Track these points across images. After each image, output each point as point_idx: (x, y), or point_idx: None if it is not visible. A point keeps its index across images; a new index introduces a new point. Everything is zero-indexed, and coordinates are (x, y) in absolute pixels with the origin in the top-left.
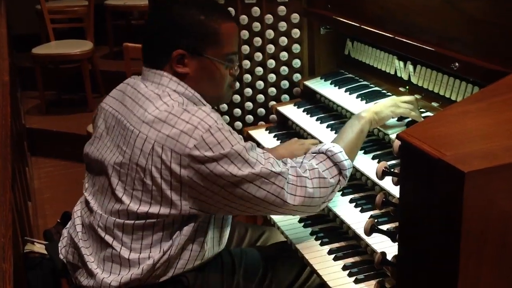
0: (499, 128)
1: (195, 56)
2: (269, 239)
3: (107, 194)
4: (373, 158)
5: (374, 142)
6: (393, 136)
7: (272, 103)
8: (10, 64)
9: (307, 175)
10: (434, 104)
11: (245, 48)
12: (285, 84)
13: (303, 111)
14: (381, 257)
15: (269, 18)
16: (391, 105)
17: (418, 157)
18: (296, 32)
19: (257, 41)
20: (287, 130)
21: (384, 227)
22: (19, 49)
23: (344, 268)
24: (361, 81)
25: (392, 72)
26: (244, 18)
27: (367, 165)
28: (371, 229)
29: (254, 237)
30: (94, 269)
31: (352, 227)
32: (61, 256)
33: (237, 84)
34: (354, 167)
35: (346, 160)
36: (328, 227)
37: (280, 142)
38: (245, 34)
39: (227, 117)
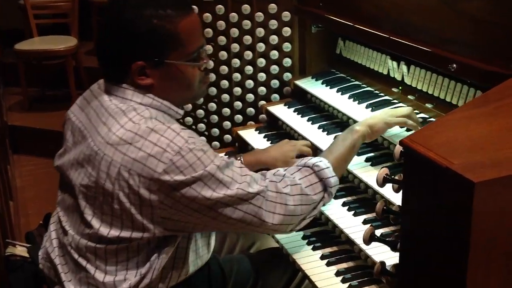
0: (506, 134)
1: (157, 65)
2: (262, 246)
3: (77, 215)
4: (367, 160)
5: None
6: (389, 139)
7: (262, 102)
8: None
9: (288, 191)
10: (428, 105)
11: (235, 47)
12: (275, 83)
13: (294, 111)
14: (381, 267)
15: (259, 16)
16: (387, 117)
17: (423, 164)
18: (287, 31)
19: (247, 39)
20: (277, 131)
21: (379, 231)
22: (2, 44)
23: (338, 274)
24: (353, 81)
25: (385, 72)
26: (234, 16)
27: (361, 167)
28: (370, 238)
29: (246, 244)
30: None
31: (345, 231)
32: (41, 266)
33: (226, 83)
34: (347, 170)
35: (333, 177)
36: (320, 231)
37: (271, 143)
38: (235, 32)
39: (215, 117)
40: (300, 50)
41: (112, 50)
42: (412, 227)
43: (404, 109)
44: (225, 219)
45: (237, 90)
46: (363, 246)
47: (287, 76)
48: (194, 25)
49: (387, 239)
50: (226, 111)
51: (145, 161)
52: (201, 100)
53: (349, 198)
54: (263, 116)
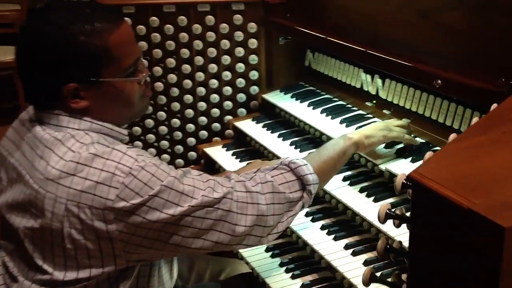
0: None
1: (91, 85)
2: (232, 272)
3: (25, 259)
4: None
5: (361, 173)
6: (382, 167)
7: (228, 117)
8: None
9: (259, 190)
10: (405, 120)
11: (199, 60)
12: (241, 97)
13: (263, 126)
14: None
15: (224, 28)
16: (383, 129)
17: (438, 203)
18: (253, 42)
19: (212, 52)
20: (246, 147)
21: (362, 257)
22: None
23: None
24: (323, 94)
25: (358, 86)
26: (197, 28)
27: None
28: (370, 280)
29: (215, 270)
30: None
31: (326, 257)
32: None
33: (190, 97)
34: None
35: (311, 174)
36: (298, 256)
37: (240, 161)
38: (198, 44)
39: (179, 133)
40: (267, 62)
41: (38, 74)
42: (424, 271)
43: (401, 122)
44: (194, 233)
45: (202, 105)
46: (346, 273)
47: (254, 89)
48: (126, 37)
49: (388, 279)
50: (190, 127)
51: (94, 190)
52: (164, 115)
53: (328, 221)
54: (229, 131)
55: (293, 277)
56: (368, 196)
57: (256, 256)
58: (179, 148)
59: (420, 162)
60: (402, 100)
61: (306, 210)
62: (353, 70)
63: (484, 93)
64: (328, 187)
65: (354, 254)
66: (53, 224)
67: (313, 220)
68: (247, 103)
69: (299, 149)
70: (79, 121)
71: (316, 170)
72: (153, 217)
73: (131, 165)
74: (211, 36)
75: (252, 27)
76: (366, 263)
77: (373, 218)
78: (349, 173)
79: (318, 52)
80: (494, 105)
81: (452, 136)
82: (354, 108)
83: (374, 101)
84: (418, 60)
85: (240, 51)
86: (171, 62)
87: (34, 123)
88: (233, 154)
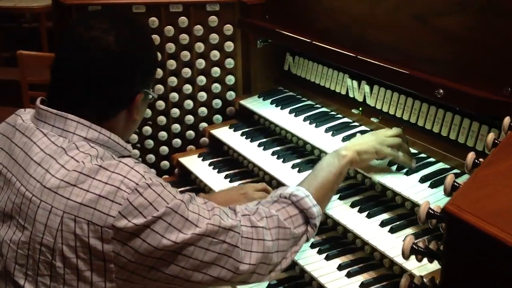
0: None
1: (146, 97)
2: None
3: (5, 277)
4: (352, 205)
5: (351, 185)
6: (375, 180)
7: (203, 125)
8: None
9: (264, 225)
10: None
11: (171, 63)
12: (217, 103)
13: (242, 134)
14: None
15: (198, 30)
16: (377, 145)
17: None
18: (229, 45)
19: (185, 55)
20: (223, 157)
21: (358, 278)
22: None
23: None
24: (305, 101)
25: (343, 92)
26: (169, 30)
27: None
28: None
29: None
30: None
31: (320, 280)
32: None
33: (162, 103)
34: (329, 216)
35: (314, 206)
36: (286, 277)
37: (218, 171)
38: (171, 47)
39: (151, 141)
40: (244, 66)
41: (114, 83)
42: None
43: (395, 132)
44: (195, 265)
45: (175, 112)
46: None
47: (231, 95)
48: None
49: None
50: (163, 135)
51: (95, 204)
52: None
53: (318, 238)
54: (204, 139)
55: None
56: (360, 211)
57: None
58: (151, 157)
59: (415, 174)
60: (392, 108)
61: None
62: (338, 76)
63: (490, 104)
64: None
65: (349, 275)
66: (44, 238)
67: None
68: (223, 110)
69: (281, 159)
70: (88, 129)
71: (316, 197)
72: (153, 241)
73: (137, 181)
74: (184, 38)
75: (228, 29)
76: (363, 285)
77: (368, 237)
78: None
79: (298, 56)
80: (507, 119)
81: (471, 155)
82: (339, 116)
83: (361, 108)
84: (414, 67)
85: (215, 55)
86: None
87: (31, 127)
88: (210, 164)
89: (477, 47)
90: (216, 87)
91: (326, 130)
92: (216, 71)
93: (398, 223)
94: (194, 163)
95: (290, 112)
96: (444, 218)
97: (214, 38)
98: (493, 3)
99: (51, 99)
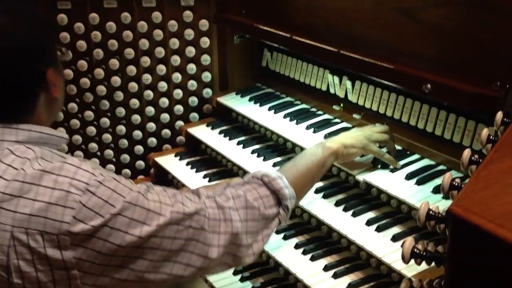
0: None
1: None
2: None
3: None
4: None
5: (334, 184)
6: (360, 178)
7: (179, 123)
8: None
9: (231, 205)
10: (378, 125)
11: (145, 60)
12: (193, 101)
13: (220, 133)
14: None
15: (172, 25)
16: (364, 140)
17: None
18: (205, 41)
19: (159, 51)
20: (201, 156)
21: (344, 279)
22: None
23: None
24: (284, 97)
25: (324, 88)
26: (143, 25)
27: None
28: None
29: None
30: None
31: (305, 281)
32: None
33: (136, 102)
34: (312, 215)
35: (287, 187)
36: (270, 279)
37: (196, 171)
38: (144, 43)
39: (125, 141)
40: (221, 63)
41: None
42: None
43: (381, 128)
44: (163, 256)
45: (150, 110)
46: None
47: (207, 92)
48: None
49: None
50: (138, 134)
51: (45, 213)
52: (107, 122)
53: (301, 238)
54: (181, 138)
55: None
56: (345, 210)
57: (223, 280)
58: (126, 157)
59: (400, 171)
60: (375, 104)
61: None
62: (318, 71)
63: (478, 99)
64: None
65: (335, 276)
66: None
67: (285, 238)
68: (199, 107)
69: (262, 158)
70: (16, 131)
71: (293, 183)
72: (116, 239)
73: (87, 181)
74: (158, 34)
75: (204, 24)
76: (350, 286)
77: (354, 236)
78: (321, 184)
79: (277, 51)
80: (500, 114)
81: (467, 152)
82: (320, 112)
83: (342, 105)
84: (400, 62)
85: (190, 51)
86: (114, 63)
87: None
88: (187, 164)
89: (465, 41)
90: (192, 84)
91: (307, 127)
92: (191, 67)
93: (384, 221)
94: (171, 163)
95: (270, 109)
96: (444, 220)
97: (189, 34)
98: None
99: None
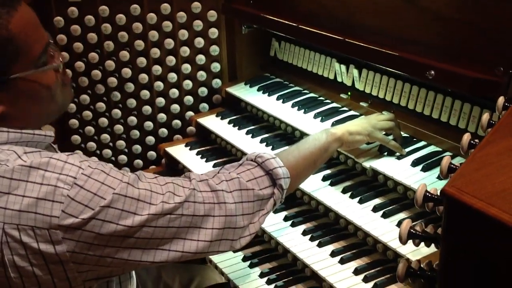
0: None
1: (1, 86)
2: (203, 281)
3: None
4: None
5: (341, 171)
6: (366, 165)
7: (189, 113)
8: None
9: (224, 187)
10: (385, 113)
11: (155, 52)
12: (203, 91)
13: (229, 122)
14: None
15: (181, 16)
16: (368, 126)
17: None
18: (213, 32)
19: (169, 43)
20: (211, 145)
21: (351, 264)
22: None
23: None
24: (292, 87)
25: (331, 77)
26: (152, 17)
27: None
28: None
29: (185, 279)
30: None
31: (312, 266)
32: None
33: (147, 93)
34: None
35: (280, 167)
36: (279, 265)
37: (206, 160)
38: (154, 35)
39: (136, 132)
40: (229, 53)
41: None
42: None
43: (387, 116)
44: (156, 244)
45: (160, 101)
46: (336, 284)
47: (217, 82)
48: (29, 20)
49: None
50: (149, 124)
51: (35, 208)
52: (119, 113)
53: (309, 225)
54: (191, 128)
55: None
56: (352, 197)
57: (233, 266)
58: (137, 148)
59: (406, 158)
60: (381, 91)
61: (284, 213)
62: (326, 60)
63: (482, 84)
64: (307, 187)
65: (342, 261)
66: None
67: (293, 225)
68: (209, 98)
69: (270, 147)
70: None
71: (294, 165)
72: (108, 230)
73: (75, 175)
74: (167, 25)
75: (212, 15)
76: (356, 271)
77: (361, 222)
78: (328, 171)
79: (285, 41)
80: (501, 99)
81: (466, 136)
82: (328, 101)
83: (349, 93)
84: (404, 49)
85: (199, 42)
86: (124, 55)
87: None
88: (197, 153)
89: (467, 27)
90: (202, 75)
91: (315, 116)
92: (201, 58)
93: (390, 207)
94: (182, 153)
95: (278, 98)
96: (441, 201)
97: (198, 25)
98: None
99: None
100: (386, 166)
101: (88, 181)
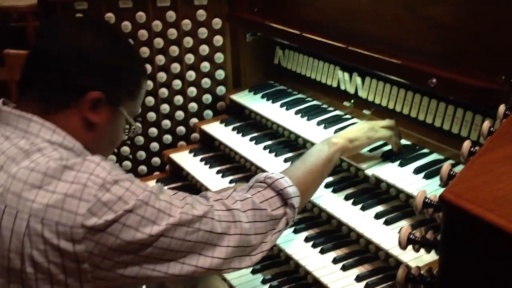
0: None
1: (112, 105)
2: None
3: None
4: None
5: (344, 178)
6: (369, 172)
7: (194, 120)
8: None
9: (239, 207)
10: (390, 120)
11: (160, 59)
12: (207, 98)
13: (233, 129)
14: None
15: (186, 24)
16: (368, 130)
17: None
18: (218, 40)
19: (174, 50)
20: (214, 152)
21: (353, 271)
22: None
23: None
24: (296, 94)
25: (334, 85)
26: (157, 24)
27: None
28: None
29: (188, 287)
30: None
31: (314, 273)
32: None
33: (151, 99)
34: (322, 209)
35: (290, 186)
36: (281, 272)
37: (209, 167)
38: (159, 42)
39: (141, 138)
40: (234, 60)
41: (63, 71)
42: None
43: (387, 123)
44: (172, 256)
45: (165, 108)
46: None
47: (221, 90)
48: (145, 90)
49: None
50: (153, 131)
51: (62, 204)
52: None
53: (312, 232)
54: (195, 135)
55: None
56: (354, 204)
57: (235, 273)
58: (142, 154)
59: (409, 166)
60: (384, 99)
61: None
62: (328, 68)
63: (483, 92)
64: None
65: (344, 268)
66: (12, 244)
67: (295, 232)
68: (213, 105)
69: (274, 154)
70: (52, 133)
71: (303, 181)
72: (127, 236)
73: (104, 177)
74: (172, 33)
75: (217, 23)
76: (358, 278)
77: (363, 229)
78: (330, 179)
79: (288, 49)
80: (502, 107)
81: (467, 144)
82: (331, 109)
83: (352, 101)
84: (406, 57)
85: (204, 49)
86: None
87: None
88: (201, 160)
89: (468, 36)
90: (206, 82)
91: (318, 123)
92: (205, 65)
93: (392, 215)
94: (186, 159)
95: (281, 105)
96: (440, 208)
97: (202, 32)
98: None
99: (18, 96)
100: (389, 173)
101: (114, 186)
